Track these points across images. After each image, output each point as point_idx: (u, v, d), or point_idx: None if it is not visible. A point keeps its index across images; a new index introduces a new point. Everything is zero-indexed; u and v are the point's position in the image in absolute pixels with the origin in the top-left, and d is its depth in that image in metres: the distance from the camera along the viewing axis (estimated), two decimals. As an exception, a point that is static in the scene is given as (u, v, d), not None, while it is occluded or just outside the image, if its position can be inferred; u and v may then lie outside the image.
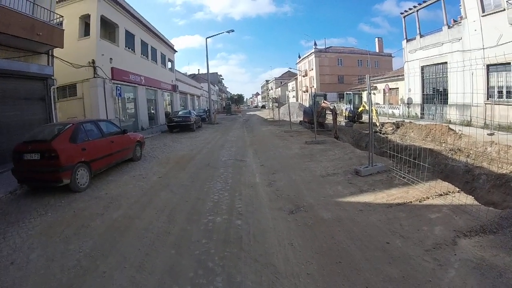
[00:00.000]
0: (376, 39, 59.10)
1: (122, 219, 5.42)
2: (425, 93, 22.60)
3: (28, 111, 11.24)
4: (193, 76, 61.45)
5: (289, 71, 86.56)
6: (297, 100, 62.62)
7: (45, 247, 4.44)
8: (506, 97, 15.38)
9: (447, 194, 5.65)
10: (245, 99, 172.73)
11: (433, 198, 5.54)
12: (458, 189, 6.00)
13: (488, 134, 11.53)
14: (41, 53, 11.93)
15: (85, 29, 17.29)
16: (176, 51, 35.97)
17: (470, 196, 5.70)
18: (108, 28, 19.65)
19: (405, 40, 24.21)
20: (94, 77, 16.38)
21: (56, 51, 12.73)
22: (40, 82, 11.86)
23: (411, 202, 5.46)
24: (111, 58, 18.17)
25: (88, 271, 3.76)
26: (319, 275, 3.47)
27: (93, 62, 16.34)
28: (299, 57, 65.75)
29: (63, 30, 12.27)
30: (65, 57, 13.77)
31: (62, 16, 12.57)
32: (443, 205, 5.17)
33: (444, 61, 19.99)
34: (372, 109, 8.83)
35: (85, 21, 17.24)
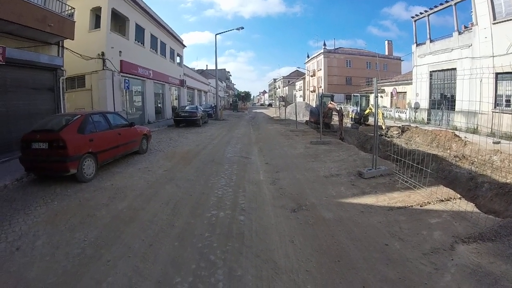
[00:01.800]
0: (386, 42, 58.64)
1: (127, 210, 5.51)
2: (432, 98, 22.51)
3: (37, 101, 11.37)
4: (201, 72, 61.50)
5: (297, 70, 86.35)
6: (304, 100, 62.52)
7: (50, 235, 4.54)
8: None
9: (448, 200, 5.69)
10: (252, 97, 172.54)
11: (434, 204, 5.58)
12: (459, 196, 6.03)
13: (493, 143, 11.48)
14: (51, 44, 12.07)
15: (96, 22, 17.46)
16: (185, 46, 36.12)
17: (471, 203, 5.73)
18: (118, 21, 19.82)
19: (415, 44, 24.10)
20: (103, 69, 16.55)
21: (66, 42, 12.85)
22: (50, 73, 12.00)
23: (412, 206, 5.51)
24: (120, 51, 18.33)
25: (92, 259, 3.85)
26: (317, 273, 3.55)
27: (103, 54, 16.50)
28: (308, 56, 65.72)
29: (74, 21, 12.41)
30: (75, 48, 13.89)
31: (73, 8, 12.70)
32: (444, 211, 5.21)
33: (453, 67, 19.89)
34: (378, 112, 8.85)
35: (96, 13, 17.40)
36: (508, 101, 15.68)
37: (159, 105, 26.99)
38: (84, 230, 4.66)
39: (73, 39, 12.30)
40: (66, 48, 13.08)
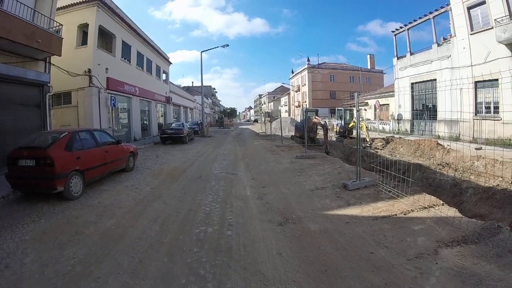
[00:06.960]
0: (368, 56, 60.03)
1: (116, 228, 5.49)
2: (415, 109, 23.07)
3: (23, 117, 11.23)
4: (187, 89, 61.57)
5: (282, 86, 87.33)
6: (289, 115, 63.09)
7: (39, 252, 4.50)
8: (494, 113, 15.81)
9: (431, 207, 5.87)
10: (238, 113, 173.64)
11: (417, 211, 5.75)
12: (442, 202, 6.23)
13: (476, 149, 11.78)
14: (38, 60, 11.99)
15: (83, 38, 17.38)
16: (171, 63, 36.22)
17: (454, 208, 5.92)
18: (105, 38, 19.81)
19: (396, 58, 24.80)
20: (90, 86, 16.42)
21: (53, 59, 12.78)
22: (36, 89, 11.89)
23: (396, 214, 5.66)
24: (107, 68, 18.26)
25: (82, 276, 3.84)
26: (305, 283, 3.62)
27: (89, 71, 16.40)
28: (292, 72, 66.52)
29: (62, 38, 12.39)
30: (61, 64, 13.85)
31: (61, 24, 12.69)
32: (427, 217, 5.37)
33: (433, 78, 20.54)
34: (362, 125, 9.07)
35: (83, 30, 17.35)
36: (488, 107, 16.23)
37: (145, 122, 26.80)
38: (73, 248, 4.63)
39: (60, 56, 12.24)
40: (53, 65, 13.01)
